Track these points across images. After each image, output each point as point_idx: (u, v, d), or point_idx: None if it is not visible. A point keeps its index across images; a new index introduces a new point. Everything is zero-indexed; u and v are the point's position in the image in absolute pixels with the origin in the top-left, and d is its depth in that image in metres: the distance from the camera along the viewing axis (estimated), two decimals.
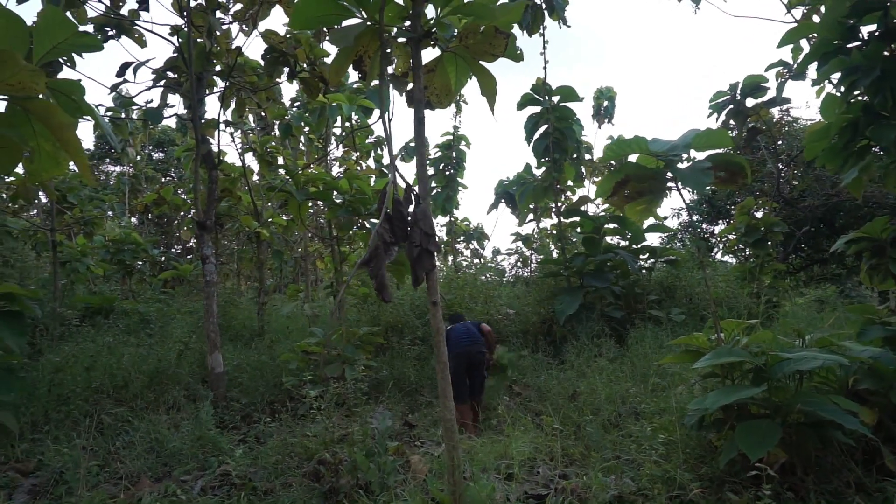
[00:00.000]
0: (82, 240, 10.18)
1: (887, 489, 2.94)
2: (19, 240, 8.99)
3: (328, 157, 11.55)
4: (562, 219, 8.75)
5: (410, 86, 3.14)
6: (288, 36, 6.60)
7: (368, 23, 3.04)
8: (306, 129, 9.96)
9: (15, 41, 2.40)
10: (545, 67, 8.67)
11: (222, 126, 7.04)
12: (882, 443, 3.13)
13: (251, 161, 10.37)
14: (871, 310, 3.92)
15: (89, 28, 6.14)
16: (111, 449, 4.25)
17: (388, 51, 3.25)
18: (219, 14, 6.37)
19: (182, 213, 12.55)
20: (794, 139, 12.46)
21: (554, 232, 9.89)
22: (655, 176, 3.84)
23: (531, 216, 14.40)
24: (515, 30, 3.38)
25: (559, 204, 9.14)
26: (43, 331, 6.68)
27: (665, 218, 15.39)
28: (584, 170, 13.76)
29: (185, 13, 5.81)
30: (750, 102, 8.96)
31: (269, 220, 8.75)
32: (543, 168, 8.78)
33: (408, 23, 3.13)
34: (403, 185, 3.12)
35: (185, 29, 5.85)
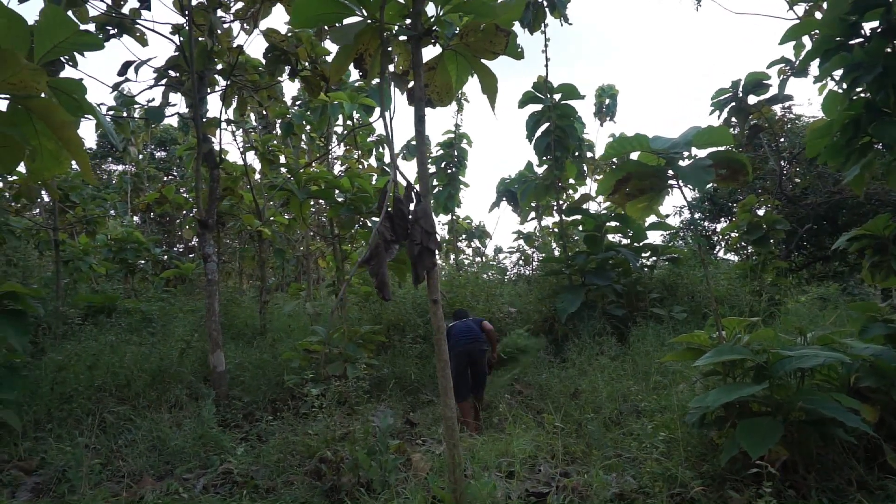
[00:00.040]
0: (85, 239, 10.21)
1: (889, 487, 2.93)
2: (22, 239, 9.01)
3: (330, 156, 11.56)
4: (563, 217, 8.74)
5: (411, 84, 3.14)
6: (289, 34, 6.59)
7: (369, 21, 3.04)
8: (308, 127, 9.96)
9: (16, 40, 2.40)
10: (546, 65, 8.64)
11: (224, 125, 7.05)
12: (884, 440, 3.12)
13: (253, 160, 10.37)
14: (873, 307, 3.91)
15: (91, 27, 6.15)
16: (114, 447, 4.27)
17: (389, 49, 3.24)
18: (220, 13, 6.37)
19: (184, 212, 12.56)
20: (797, 136, 12.42)
21: (556, 230, 9.87)
22: (657, 173, 3.83)
23: (533, 214, 14.39)
24: (516, 27, 3.38)
25: (561, 202, 9.12)
26: (46, 329, 6.70)
27: (667, 216, 15.35)
28: (585, 168, 13.73)
29: (186, 12, 5.82)
30: (752, 100, 8.93)
31: (271, 218, 8.76)
32: (545, 166, 8.76)
33: (408, 21, 3.13)
34: (404, 184, 3.13)
35: (187, 27, 5.85)
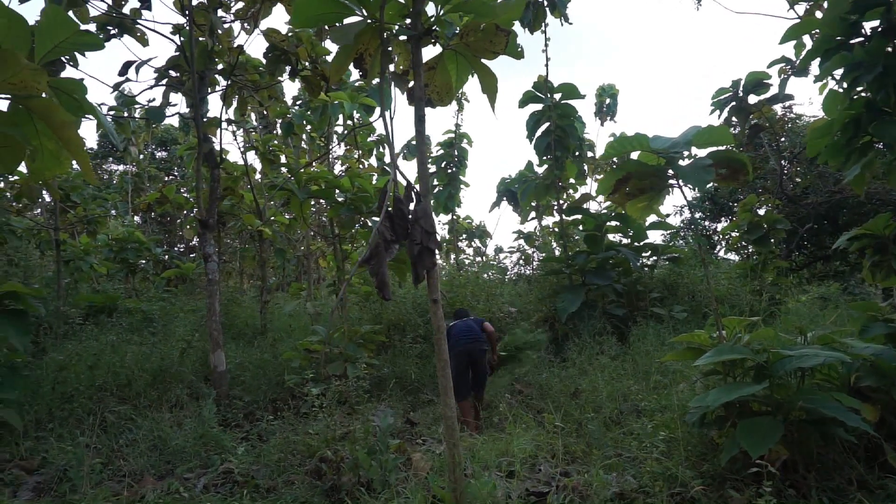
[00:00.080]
0: (86, 238, 10.22)
1: (889, 486, 2.93)
2: (23, 239, 9.02)
3: (330, 156, 11.56)
4: (564, 216, 8.75)
5: (411, 84, 3.14)
6: (289, 34, 6.60)
7: (369, 21, 3.04)
8: (308, 127, 9.97)
9: (17, 40, 2.40)
10: (547, 65, 8.64)
11: (224, 125, 7.06)
12: (884, 440, 3.13)
13: (253, 159, 10.41)
14: (873, 307, 3.91)
15: (91, 27, 6.15)
16: (114, 447, 4.27)
17: (389, 49, 3.24)
18: (220, 13, 6.38)
19: (185, 212, 12.56)
20: (797, 136, 12.42)
21: (556, 230, 9.88)
22: (657, 173, 3.83)
23: (533, 214, 14.41)
24: (517, 27, 3.38)
25: (561, 202, 9.12)
26: (47, 329, 6.71)
27: (667, 215, 15.34)
28: (586, 167, 13.74)
29: (186, 12, 5.82)
30: (752, 99, 8.93)
31: (272, 218, 8.76)
32: (545, 166, 8.76)
33: (408, 20, 3.13)
34: (404, 184, 3.13)
35: (187, 27, 5.85)
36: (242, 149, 9.39)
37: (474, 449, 3.84)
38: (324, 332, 5.84)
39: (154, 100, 10.29)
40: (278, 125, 10.34)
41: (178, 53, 6.19)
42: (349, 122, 9.99)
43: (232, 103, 7.23)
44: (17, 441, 4.26)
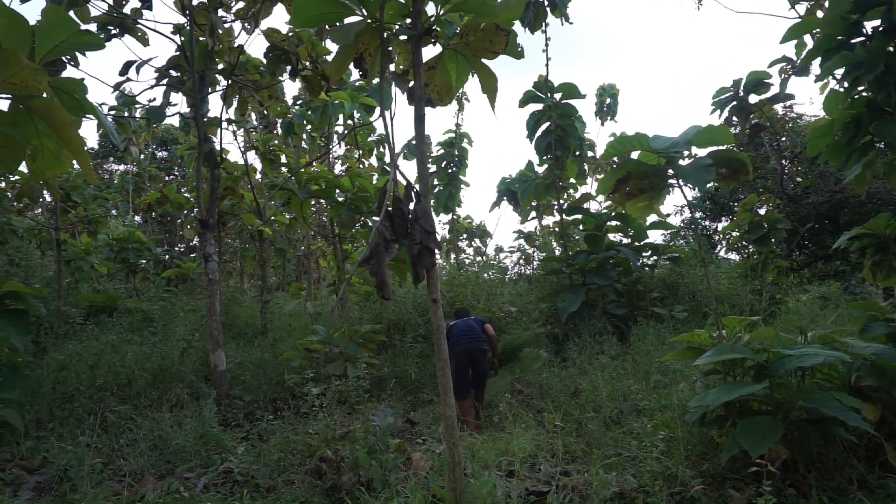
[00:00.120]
0: (86, 238, 10.23)
1: (890, 486, 2.93)
2: (24, 238, 9.02)
3: (330, 155, 11.56)
4: (564, 216, 8.74)
5: (411, 83, 3.14)
6: (290, 34, 6.60)
7: (369, 20, 3.04)
8: (308, 127, 9.97)
9: (17, 40, 2.41)
10: (547, 64, 8.62)
11: (225, 124, 7.06)
12: (885, 439, 3.13)
13: (254, 159, 10.44)
14: (874, 306, 3.91)
15: (92, 27, 6.16)
16: (115, 446, 4.28)
17: (389, 48, 3.25)
18: (221, 12, 6.38)
19: (185, 212, 12.57)
20: (798, 135, 12.40)
21: (556, 229, 9.88)
22: (657, 173, 3.83)
23: (533, 214, 14.41)
24: (517, 27, 3.38)
25: (561, 201, 9.12)
26: (47, 329, 6.71)
27: (667, 215, 15.35)
28: (586, 167, 13.75)
29: (187, 11, 5.82)
30: (753, 99, 8.92)
31: (272, 218, 8.77)
32: (546, 165, 8.76)
33: (408, 20, 3.13)
34: (404, 183, 3.13)
35: (188, 27, 5.86)
36: (243, 148, 9.40)
37: (474, 448, 3.84)
38: (324, 331, 5.84)
39: (154, 99, 10.28)
40: (278, 125, 10.34)
41: (178, 53, 6.20)
42: (349, 121, 9.99)
43: (232, 103, 7.23)
44: (18, 441, 4.27)
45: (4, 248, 8.29)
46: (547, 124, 8.46)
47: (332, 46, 6.78)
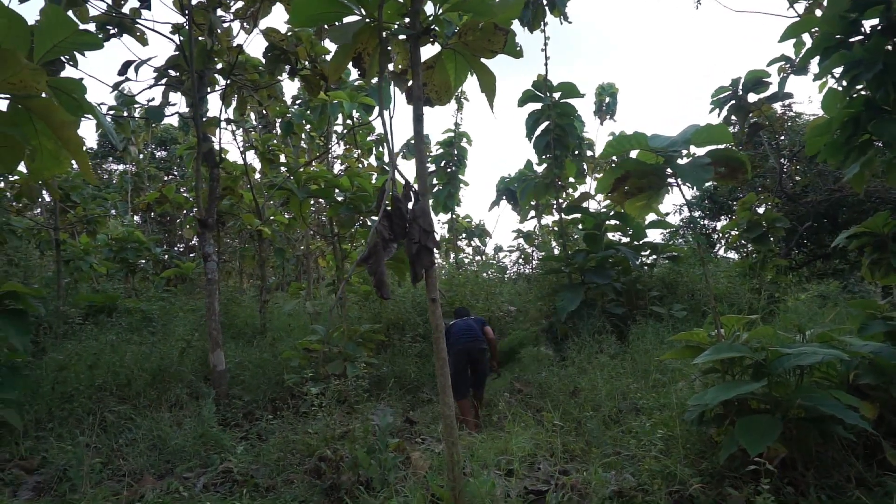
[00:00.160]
0: (85, 238, 10.22)
1: (888, 484, 2.94)
2: (23, 238, 9.02)
3: (329, 155, 11.56)
4: (563, 215, 8.75)
5: (410, 83, 3.14)
6: (289, 33, 6.60)
7: (367, 20, 3.04)
8: (307, 126, 9.97)
9: (16, 40, 2.41)
10: (546, 64, 8.65)
11: (224, 124, 7.05)
12: (883, 437, 3.13)
13: (253, 159, 10.40)
14: (872, 305, 3.92)
15: (91, 26, 6.15)
16: (114, 446, 4.28)
17: (388, 48, 3.25)
18: (220, 12, 6.38)
19: (184, 212, 12.57)
20: (797, 134, 12.42)
21: (555, 228, 9.88)
22: (656, 172, 3.84)
23: (532, 213, 14.39)
24: (516, 26, 3.38)
25: (560, 200, 9.12)
26: (47, 329, 6.71)
27: (666, 214, 15.39)
28: (585, 166, 13.73)
29: (186, 11, 5.82)
30: (752, 98, 8.94)
31: (271, 218, 8.77)
32: (545, 165, 8.76)
33: (407, 20, 3.13)
34: (403, 183, 3.13)
35: (187, 27, 5.86)
36: (242, 148, 9.40)
37: (473, 447, 3.84)
38: (323, 331, 5.84)
39: (153, 99, 10.30)
40: (278, 124, 10.34)
41: (177, 53, 6.19)
42: (348, 121, 9.99)
43: (231, 103, 7.23)
44: (17, 441, 4.26)
45: (3, 248, 8.29)
46: (546, 123, 8.47)
47: (330, 46, 6.78)
